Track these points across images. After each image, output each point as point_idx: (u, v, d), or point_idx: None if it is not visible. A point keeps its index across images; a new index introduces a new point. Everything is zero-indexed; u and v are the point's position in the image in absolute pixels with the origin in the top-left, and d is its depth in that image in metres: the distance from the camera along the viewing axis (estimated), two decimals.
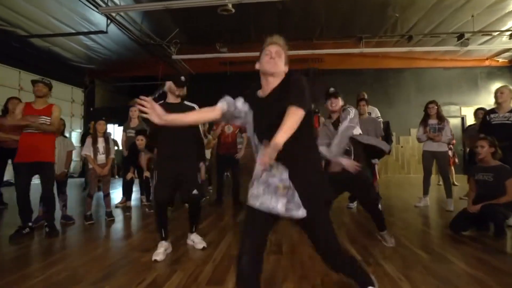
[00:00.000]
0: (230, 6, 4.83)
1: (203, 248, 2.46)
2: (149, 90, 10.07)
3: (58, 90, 9.15)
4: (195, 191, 2.44)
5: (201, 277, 1.93)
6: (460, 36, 6.64)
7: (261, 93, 1.38)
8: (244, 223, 1.33)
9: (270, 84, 1.34)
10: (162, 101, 2.48)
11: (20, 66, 7.76)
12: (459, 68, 9.25)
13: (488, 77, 9.22)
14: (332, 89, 2.39)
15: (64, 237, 2.93)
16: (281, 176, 1.24)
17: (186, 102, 2.53)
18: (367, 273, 1.44)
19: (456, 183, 6.27)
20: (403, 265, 2.08)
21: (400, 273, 1.94)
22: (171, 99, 2.50)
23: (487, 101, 9.17)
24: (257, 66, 1.39)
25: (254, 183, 1.30)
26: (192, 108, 2.46)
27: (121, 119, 7.97)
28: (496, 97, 3.21)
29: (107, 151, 3.56)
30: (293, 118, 1.16)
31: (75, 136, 9.53)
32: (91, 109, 10.32)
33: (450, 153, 6.35)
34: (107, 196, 3.58)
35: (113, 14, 5.55)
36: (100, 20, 6.43)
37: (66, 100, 9.51)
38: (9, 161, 3.82)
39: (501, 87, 3.24)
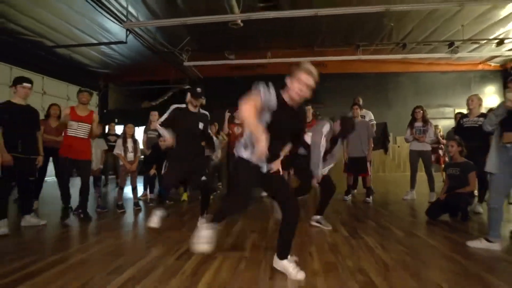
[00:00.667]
0: (239, 21, 5.39)
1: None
2: (160, 94, 10.74)
3: (75, 93, 9.84)
4: (203, 178, 2.96)
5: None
6: (451, 44, 7.15)
7: (289, 100, 1.76)
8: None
9: (293, 101, 1.77)
10: (185, 107, 2.99)
11: (43, 72, 8.41)
12: (454, 72, 9.75)
13: (481, 81, 9.71)
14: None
15: (104, 222, 3.52)
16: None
17: (201, 111, 3.07)
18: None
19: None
20: (380, 238, 2.64)
21: (377, 243, 2.51)
22: (190, 108, 2.98)
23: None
24: (288, 82, 1.73)
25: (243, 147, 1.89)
26: (205, 116, 3.06)
27: (133, 121, 8.62)
28: (467, 104, 3.75)
29: (135, 150, 4.15)
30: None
31: None
32: (105, 111, 10.98)
33: (440, 152, 6.89)
34: (135, 189, 4.17)
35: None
36: (117, 29, 7.03)
37: None
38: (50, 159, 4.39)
39: (472, 95, 3.79)
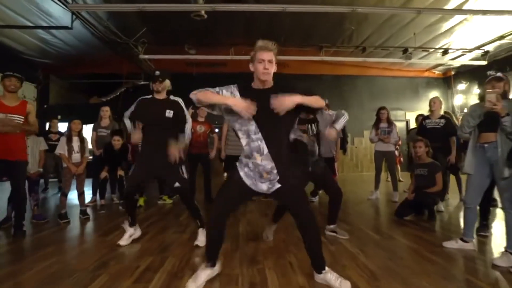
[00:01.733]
0: (203, 12, 5.03)
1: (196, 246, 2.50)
2: (110, 88, 9.80)
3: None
4: (176, 184, 2.52)
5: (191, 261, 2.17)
6: (405, 50, 7.58)
7: (259, 85, 1.71)
8: (226, 188, 1.75)
9: (265, 83, 1.70)
10: (150, 96, 2.62)
11: None
12: (404, 77, 10.44)
13: (427, 86, 10.54)
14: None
15: (41, 236, 2.93)
16: (266, 166, 1.64)
17: (171, 97, 2.65)
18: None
19: (401, 179, 7.14)
20: (358, 242, 2.54)
21: (357, 248, 2.39)
22: (156, 96, 2.61)
23: (426, 107, 10.46)
24: (251, 68, 1.71)
25: (243, 165, 1.71)
26: (176, 102, 2.61)
27: (80, 117, 7.67)
28: (430, 105, 3.89)
29: (82, 150, 3.58)
30: (316, 98, 1.63)
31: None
32: (45, 106, 9.70)
33: (396, 152, 7.25)
34: (81, 194, 3.59)
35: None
36: (60, 13, 6.16)
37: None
38: None
39: (434, 97, 3.95)
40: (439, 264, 2.08)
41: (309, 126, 2.65)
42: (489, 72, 2.14)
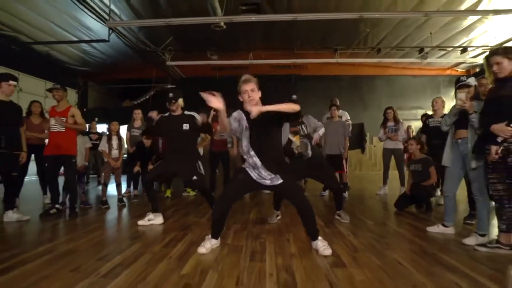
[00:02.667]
0: (222, 23, 5.55)
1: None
2: (141, 93, 10.68)
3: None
4: (194, 177, 3.08)
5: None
6: (421, 50, 7.65)
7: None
8: (235, 178, 2.28)
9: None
10: (168, 114, 3.21)
11: (18, 69, 8.17)
12: (425, 76, 10.37)
13: (449, 85, 10.35)
14: (294, 97, 3.17)
15: (89, 217, 3.57)
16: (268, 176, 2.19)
17: (186, 112, 3.23)
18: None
19: None
20: (352, 227, 2.90)
21: (349, 231, 2.75)
22: (172, 113, 3.18)
23: (448, 105, 10.34)
24: (241, 99, 2.15)
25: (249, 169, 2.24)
26: (191, 116, 3.18)
27: (114, 119, 8.50)
28: (432, 105, 4.11)
29: (120, 147, 4.21)
30: (289, 105, 2.03)
31: None
32: (85, 109, 10.75)
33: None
34: (119, 185, 4.23)
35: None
36: (98, 27, 6.98)
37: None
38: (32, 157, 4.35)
39: (436, 98, 4.16)
40: (416, 243, 2.40)
41: (300, 127, 3.07)
42: (461, 78, 2.43)
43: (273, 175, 2.18)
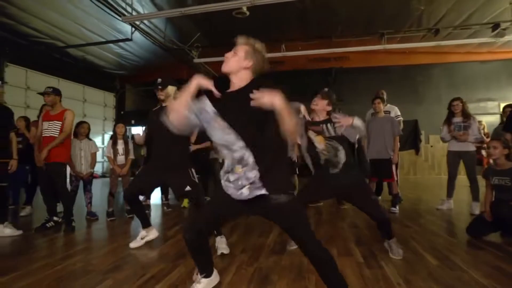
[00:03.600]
0: (244, 9, 4.90)
1: (221, 254, 2.31)
2: None
3: (92, 95, 9.90)
4: (187, 188, 2.41)
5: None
6: (495, 26, 6.15)
7: (231, 87, 1.44)
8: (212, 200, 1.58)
9: (235, 84, 1.42)
10: (158, 107, 2.66)
11: (58, 75, 8.46)
12: (498, 60, 8.58)
13: None
14: (325, 89, 2.30)
15: (87, 231, 3.17)
16: (248, 175, 1.32)
17: None
18: (342, 277, 1.44)
19: None
20: (405, 269, 2.01)
21: (401, 277, 1.88)
22: (163, 104, 2.60)
23: None
24: None
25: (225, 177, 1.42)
26: None
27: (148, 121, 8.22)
28: None
29: (126, 152, 3.78)
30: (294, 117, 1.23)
31: (107, 138, 10.19)
32: (122, 112, 10.97)
33: (484, 153, 5.92)
34: None
35: (137, 23, 5.87)
36: (128, 29, 6.83)
37: (99, 104, 10.21)
38: None
39: None
40: None
41: (325, 126, 2.19)
42: None
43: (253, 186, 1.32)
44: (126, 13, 5.73)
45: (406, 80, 8.93)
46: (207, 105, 1.43)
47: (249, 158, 1.32)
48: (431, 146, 8.71)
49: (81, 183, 3.72)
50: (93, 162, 3.79)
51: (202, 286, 1.64)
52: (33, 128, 4.00)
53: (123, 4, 5.79)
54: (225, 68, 1.42)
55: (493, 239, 2.63)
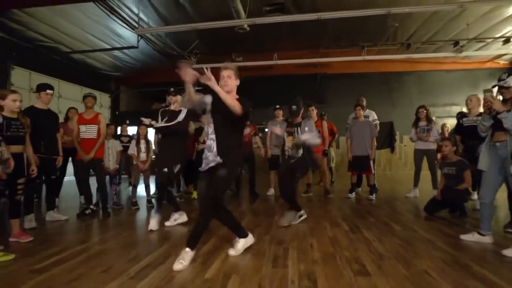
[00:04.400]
0: (245, 26, 5.59)
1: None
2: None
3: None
4: (165, 169, 3.13)
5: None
6: (456, 43, 7.19)
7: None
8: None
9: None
10: (168, 108, 3.41)
11: (58, 77, 8.78)
12: (461, 70, 9.73)
13: (489, 78, 9.63)
14: (293, 107, 3.21)
15: (119, 218, 3.76)
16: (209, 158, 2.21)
17: (182, 108, 3.37)
18: (241, 226, 2.34)
19: None
20: (378, 233, 2.80)
21: (375, 237, 2.67)
22: (171, 107, 3.42)
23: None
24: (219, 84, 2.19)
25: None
26: (181, 111, 3.33)
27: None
28: (466, 104, 3.86)
29: (148, 150, 4.39)
30: (233, 101, 2.04)
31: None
32: (117, 113, 11.34)
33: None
34: (147, 186, 4.42)
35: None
36: (128, 34, 7.32)
37: (96, 105, 10.52)
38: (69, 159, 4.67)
39: (471, 95, 3.89)
40: (448, 252, 2.27)
41: (296, 129, 3.14)
42: (501, 76, 2.25)
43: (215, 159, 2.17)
44: (130, 20, 6.25)
45: (383, 86, 9.92)
46: (207, 98, 2.23)
47: (214, 147, 2.18)
48: (405, 145, 9.75)
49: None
50: (118, 159, 4.37)
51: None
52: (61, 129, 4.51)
53: (129, 12, 6.30)
54: (228, 89, 2.18)
55: (442, 214, 3.50)
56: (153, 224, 3.08)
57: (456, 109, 9.64)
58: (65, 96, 8.93)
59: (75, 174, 4.10)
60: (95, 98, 3.92)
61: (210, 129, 2.23)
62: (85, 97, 3.86)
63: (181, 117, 3.27)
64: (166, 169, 3.13)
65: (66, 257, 2.28)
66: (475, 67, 9.69)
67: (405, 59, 9.04)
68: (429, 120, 4.73)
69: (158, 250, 2.42)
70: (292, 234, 2.83)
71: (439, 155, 4.78)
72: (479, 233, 2.46)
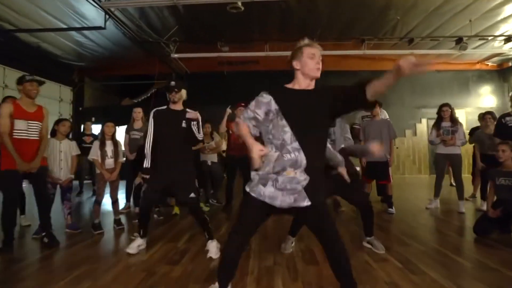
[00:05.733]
0: (239, 4, 4.68)
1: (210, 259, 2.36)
2: (142, 89, 9.79)
3: (46, 88, 8.67)
4: (192, 195, 2.46)
5: None
6: (459, 39, 6.77)
7: (297, 86, 1.55)
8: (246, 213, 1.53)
9: (309, 84, 1.56)
10: (166, 107, 2.60)
11: (4, 62, 7.29)
12: (452, 71, 9.49)
13: (478, 80, 9.51)
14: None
15: (74, 250, 2.69)
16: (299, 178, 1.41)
17: (188, 110, 2.57)
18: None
19: (453, 183, 6.34)
20: (447, 273, 2.03)
21: (449, 281, 1.89)
22: (172, 106, 2.59)
23: (477, 103, 9.52)
24: (296, 65, 1.55)
25: (267, 182, 1.44)
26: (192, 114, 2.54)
27: (113, 119, 7.52)
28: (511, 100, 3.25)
29: (116, 155, 3.34)
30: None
31: None
32: (80, 108, 9.89)
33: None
34: (115, 202, 3.36)
35: (112, 9, 5.27)
36: (95, 15, 6.11)
37: (54, 99, 9.05)
38: None
39: None
40: None
41: (332, 130, 2.50)
42: None
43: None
44: None
45: None
46: (272, 105, 1.47)
47: (302, 160, 1.40)
48: (397, 148, 9.31)
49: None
50: (74, 166, 3.27)
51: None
52: None
53: None
54: (319, 73, 1.56)
55: (496, 236, 2.83)
56: (134, 246, 2.49)
57: None
58: (12, 87, 7.41)
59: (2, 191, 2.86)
60: (40, 84, 2.82)
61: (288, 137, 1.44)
62: (25, 81, 2.74)
63: (185, 122, 2.52)
64: (193, 194, 2.46)
65: None
66: (465, 68, 9.49)
67: (397, 58, 8.53)
68: (454, 120, 4.11)
69: None
70: (328, 276, 1.98)
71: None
72: None
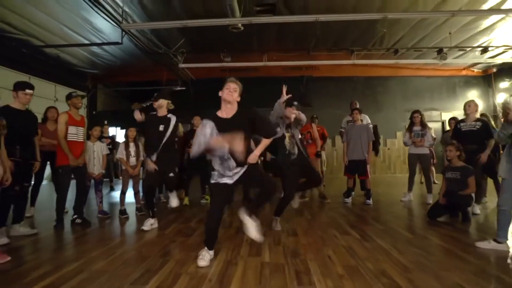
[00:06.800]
0: (240, 25, 5.39)
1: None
2: (150, 95, 10.52)
3: (62, 94, 9.50)
4: (171, 174, 3.24)
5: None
6: (440, 50, 7.44)
7: (224, 114, 2.29)
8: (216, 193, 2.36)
9: (228, 109, 2.27)
10: (155, 113, 3.27)
11: (29, 72, 8.07)
12: (440, 77, 10.14)
13: (465, 85, 10.15)
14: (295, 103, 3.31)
15: (108, 229, 3.42)
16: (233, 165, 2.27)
17: (168, 115, 3.29)
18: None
19: (436, 181, 7.00)
20: (392, 241, 2.72)
21: (391, 246, 2.58)
22: (159, 112, 3.25)
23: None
24: (220, 94, 2.27)
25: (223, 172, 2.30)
26: (168, 119, 3.25)
27: (123, 122, 8.23)
28: (465, 109, 3.92)
29: (137, 154, 4.06)
30: (265, 144, 2.33)
31: None
32: (94, 112, 10.67)
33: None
34: (137, 193, 4.09)
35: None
36: (110, 29, 6.86)
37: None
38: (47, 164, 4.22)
39: (469, 101, 3.96)
40: (471, 261, 2.22)
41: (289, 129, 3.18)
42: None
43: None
44: (114, 14, 5.83)
45: (368, 90, 10.10)
46: (214, 131, 2.22)
47: (232, 163, 2.26)
48: (388, 149, 9.98)
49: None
50: (104, 163, 4.00)
51: (211, 254, 2.32)
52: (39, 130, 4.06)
53: (113, 5, 5.87)
54: (231, 98, 2.23)
55: (445, 219, 3.51)
56: (148, 224, 3.23)
57: (436, 114, 10.03)
58: (36, 94, 8.13)
59: (57, 182, 3.63)
60: (83, 97, 3.59)
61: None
62: (73, 96, 3.49)
63: (172, 123, 3.25)
64: (172, 174, 3.20)
65: (64, 278, 1.97)
66: (452, 74, 10.13)
67: (389, 65, 9.26)
68: (423, 125, 4.78)
69: (163, 269, 2.16)
70: (305, 245, 2.67)
71: (434, 160, 4.81)
72: (496, 241, 2.43)
